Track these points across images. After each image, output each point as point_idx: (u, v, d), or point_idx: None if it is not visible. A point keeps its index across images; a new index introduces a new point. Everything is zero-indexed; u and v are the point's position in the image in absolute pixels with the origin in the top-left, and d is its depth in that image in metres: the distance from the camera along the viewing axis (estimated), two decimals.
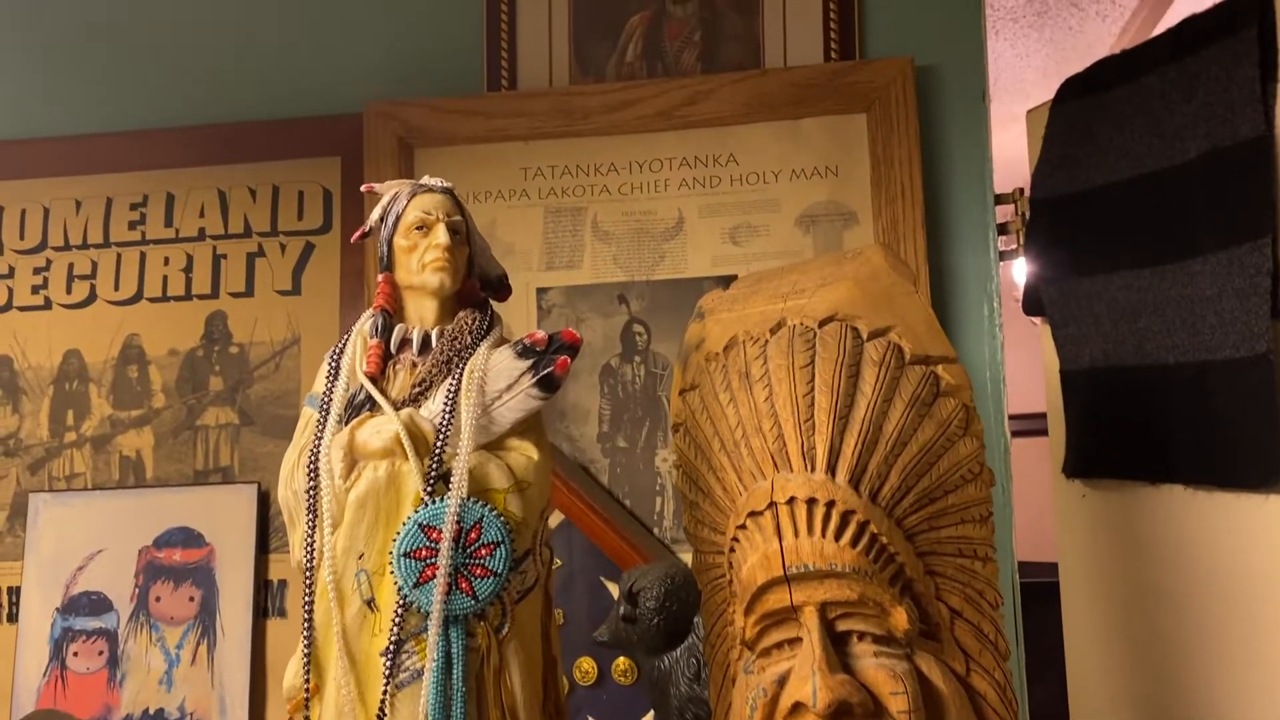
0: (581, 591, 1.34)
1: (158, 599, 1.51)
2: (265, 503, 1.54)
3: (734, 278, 1.50)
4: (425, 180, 0.90)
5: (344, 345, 0.86)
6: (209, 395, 1.60)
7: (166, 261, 1.63)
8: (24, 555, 1.55)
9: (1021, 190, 1.49)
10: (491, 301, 0.92)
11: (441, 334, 0.85)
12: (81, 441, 1.60)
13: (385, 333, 0.85)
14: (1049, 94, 1.41)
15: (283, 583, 1.53)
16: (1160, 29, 2.85)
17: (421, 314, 0.87)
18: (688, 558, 1.42)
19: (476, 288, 0.91)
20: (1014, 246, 1.51)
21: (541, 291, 1.54)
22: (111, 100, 1.69)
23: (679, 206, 1.54)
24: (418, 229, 0.86)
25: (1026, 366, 1.71)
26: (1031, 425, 1.89)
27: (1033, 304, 1.39)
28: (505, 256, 1.51)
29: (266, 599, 1.52)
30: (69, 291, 1.64)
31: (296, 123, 1.63)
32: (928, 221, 1.45)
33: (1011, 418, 1.46)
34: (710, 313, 1.06)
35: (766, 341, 0.97)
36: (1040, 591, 1.54)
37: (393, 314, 0.87)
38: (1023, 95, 3.34)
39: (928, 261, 1.44)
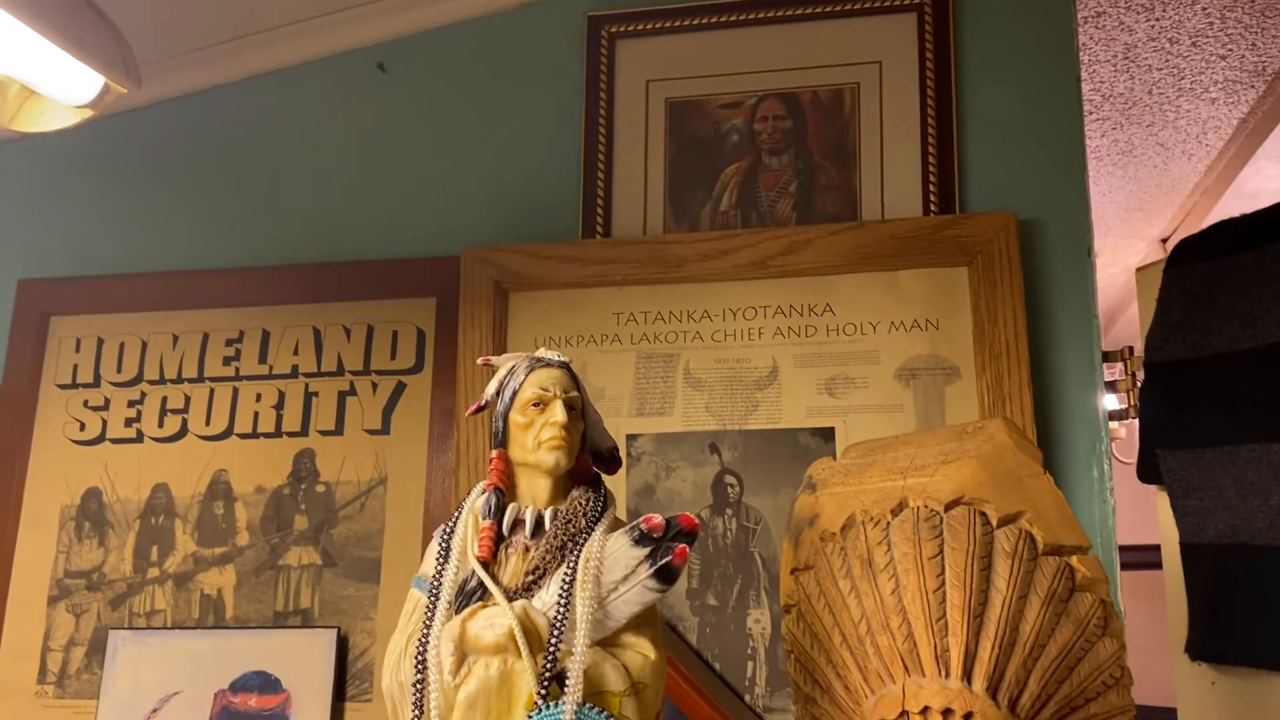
0: None
1: None
2: (344, 648, 1.51)
3: (830, 430, 1.47)
4: (542, 354, 0.88)
5: (454, 524, 0.84)
6: (293, 534, 1.58)
7: (259, 398, 1.64)
8: (100, 694, 1.52)
9: (1131, 349, 1.44)
10: (602, 476, 0.90)
11: (555, 515, 0.82)
12: (164, 578, 1.59)
13: (498, 512, 0.83)
14: (1130, 230, 1.38)
15: None
16: (1247, 170, 2.84)
17: (534, 492, 0.85)
18: None
19: (589, 463, 0.88)
20: (1124, 406, 1.45)
21: (632, 438, 1.51)
22: (212, 238, 1.74)
23: (773, 355, 1.51)
24: (534, 405, 0.84)
25: (1131, 494, 1.62)
26: (1137, 558, 1.80)
27: (1149, 471, 1.33)
28: (596, 401, 1.49)
29: None
30: (161, 425, 1.65)
31: (394, 264, 1.65)
32: (1033, 379, 1.41)
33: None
34: (822, 485, 1.02)
35: (888, 524, 0.92)
36: None
37: (505, 491, 0.85)
38: (1103, 230, 3.31)
39: (1034, 422, 1.39)
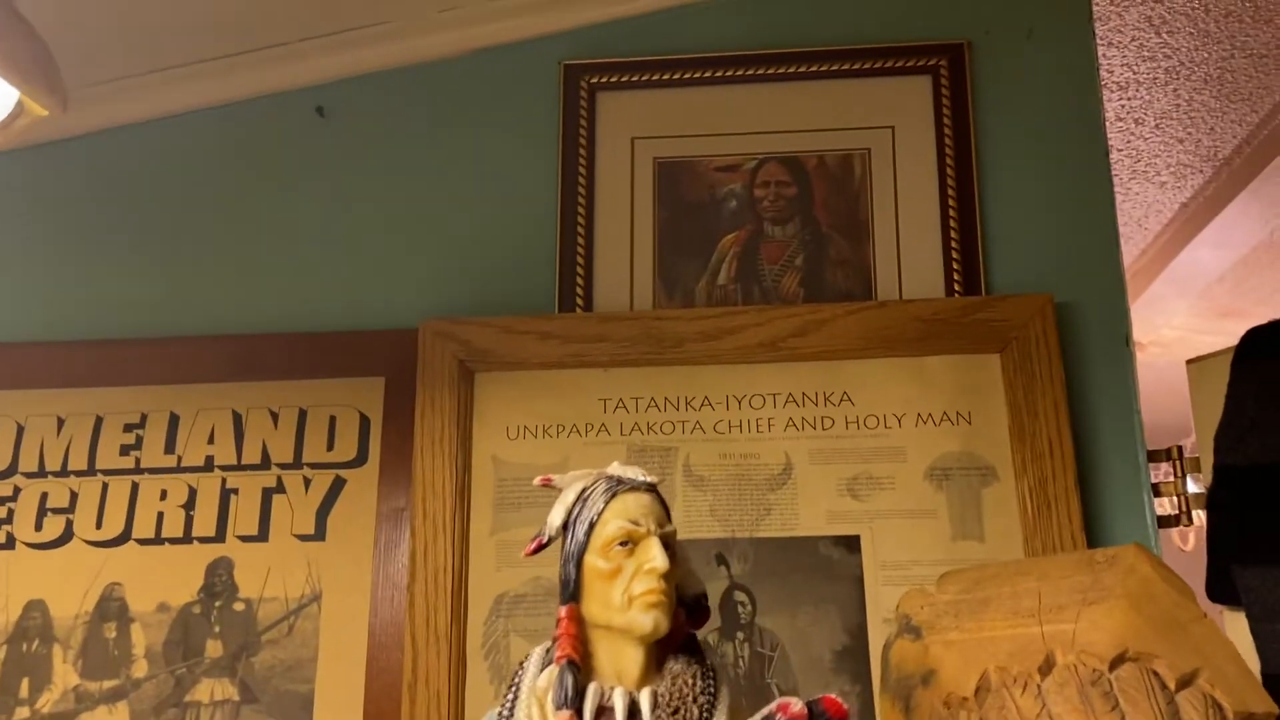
0: None
1: None
2: None
3: (855, 539, 1.29)
4: (620, 471, 0.67)
5: (510, 711, 0.61)
6: (204, 663, 1.30)
7: (164, 495, 1.36)
8: None
9: (1180, 448, 1.31)
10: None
11: (656, 702, 0.60)
12: (35, 719, 1.28)
13: (577, 698, 0.60)
14: None
15: None
16: (1184, 255, 2.82)
17: (621, 665, 0.63)
18: None
19: (682, 619, 0.67)
20: (1173, 512, 1.31)
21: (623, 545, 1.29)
22: (110, 301, 1.46)
23: (786, 450, 1.32)
24: (621, 545, 0.63)
25: None
26: None
27: (1222, 590, 1.18)
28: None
29: None
30: (39, 528, 1.36)
31: (334, 337, 1.41)
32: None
33: None
34: (929, 629, 0.83)
35: (1039, 686, 0.74)
36: None
37: (580, 666, 0.62)
38: None
39: (1084, 532, 1.24)
